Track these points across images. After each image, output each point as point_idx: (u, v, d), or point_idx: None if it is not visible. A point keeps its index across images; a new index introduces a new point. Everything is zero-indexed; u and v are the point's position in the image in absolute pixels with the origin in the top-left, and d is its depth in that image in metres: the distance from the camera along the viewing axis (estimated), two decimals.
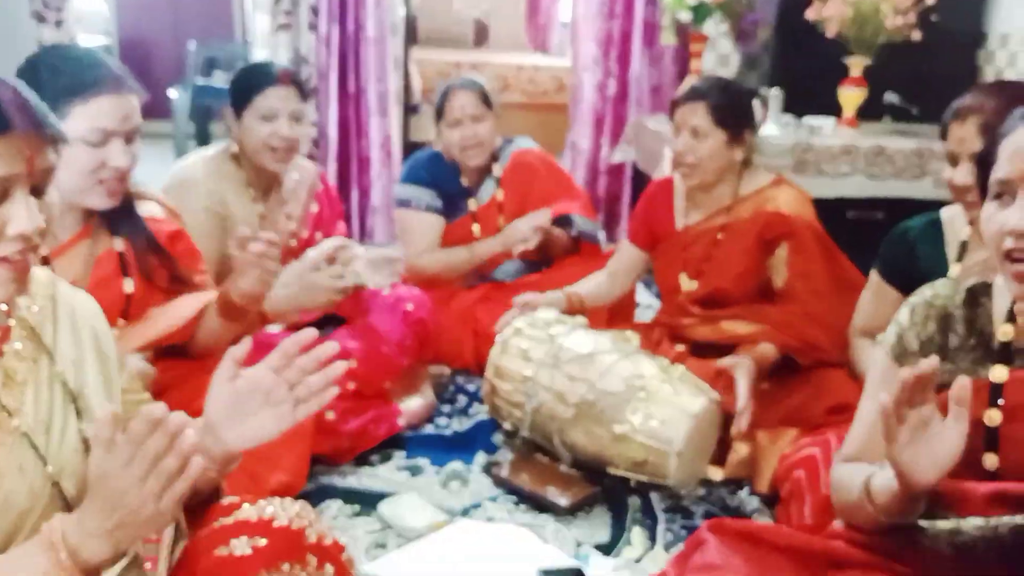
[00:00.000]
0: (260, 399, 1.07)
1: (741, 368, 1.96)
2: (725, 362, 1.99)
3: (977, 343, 1.20)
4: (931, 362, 1.03)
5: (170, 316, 1.65)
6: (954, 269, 1.80)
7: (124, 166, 1.49)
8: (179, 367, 1.74)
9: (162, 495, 0.87)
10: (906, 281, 1.87)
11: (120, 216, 1.59)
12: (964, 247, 1.80)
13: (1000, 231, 1.08)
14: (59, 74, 1.44)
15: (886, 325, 1.93)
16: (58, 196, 0.99)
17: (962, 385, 1.01)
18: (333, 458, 1.97)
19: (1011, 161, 1.07)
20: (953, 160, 1.70)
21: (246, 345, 1.09)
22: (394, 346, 2.21)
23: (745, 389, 1.92)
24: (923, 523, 1.13)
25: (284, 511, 1.16)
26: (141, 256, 1.61)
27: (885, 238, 1.96)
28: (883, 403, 1.03)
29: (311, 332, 1.10)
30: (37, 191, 0.93)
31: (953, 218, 1.84)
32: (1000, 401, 1.15)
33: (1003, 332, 1.17)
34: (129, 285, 1.61)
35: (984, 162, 1.14)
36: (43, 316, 1.03)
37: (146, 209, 1.67)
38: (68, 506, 0.96)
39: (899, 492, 1.08)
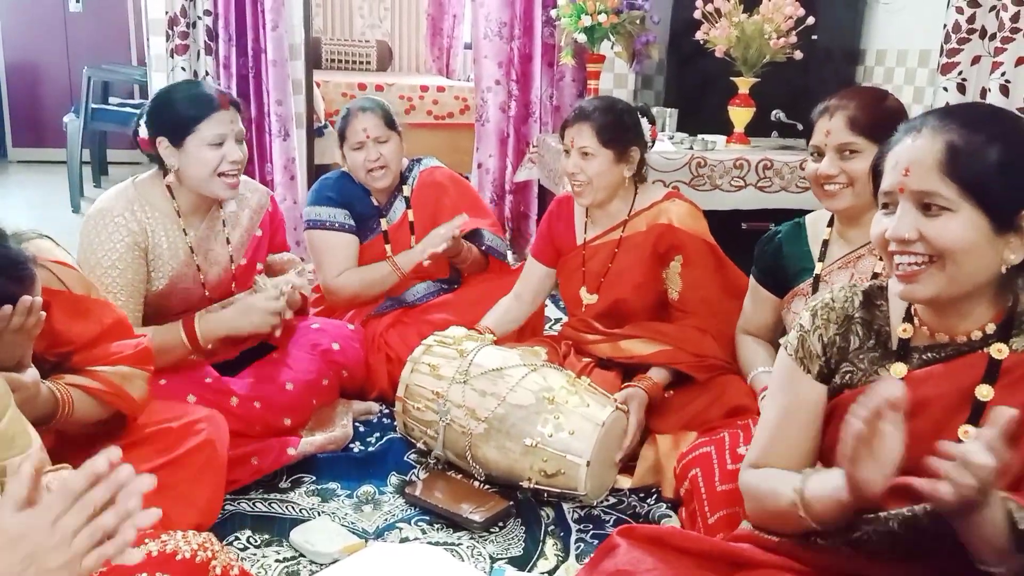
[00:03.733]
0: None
1: (635, 401, 2.05)
2: (622, 396, 2.06)
3: (876, 343, 1.26)
4: (896, 387, 1.05)
5: None
6: (818, 267, 1.91)
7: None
8: None
9: (87, 554, 0.80)
10: (775, 282, 2.00)
11: None
12: (825, 246, 1.92)
13: (881, 239, 1.17)
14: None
15: (763, 324, 2.06)
16: None
17: (897, 385, 1.05)
18: None
19: (891, 174, 1.15)
20: (818, 153, 1.83)
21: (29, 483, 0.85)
22: (302, 385, 2.17)
23: (635, 423, 2.02)
24: None
25: (187, 544, 1.14)
26: None
27: (757, 244, 2.07)
28: (856, 429, 1.05)
29: (114, 453, 0.85)
30: None
31: (816, 221, 1.97)
32: None
33: (902, 330, 1.23)
34: None
35: (875, 173, 1.22)
36: None
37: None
38: None
39: (848, 503, 1.11)
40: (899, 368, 1.21)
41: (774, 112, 3.29)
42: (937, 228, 1.10)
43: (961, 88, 2.60)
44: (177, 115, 1.99)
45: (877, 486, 1.06)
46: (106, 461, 0.81)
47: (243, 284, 2.22)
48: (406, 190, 2.70)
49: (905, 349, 1.23)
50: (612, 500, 1.99)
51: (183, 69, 3.49)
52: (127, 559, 0.82)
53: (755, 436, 1.37)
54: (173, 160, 2.01)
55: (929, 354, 1.21)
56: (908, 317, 1.24)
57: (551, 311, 3.20)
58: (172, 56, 3.50)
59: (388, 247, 2.66)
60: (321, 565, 1.71)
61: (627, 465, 2.06)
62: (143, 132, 2.04)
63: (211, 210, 2.14)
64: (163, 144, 2.01)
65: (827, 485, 1.15)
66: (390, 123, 2.58)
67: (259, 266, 2.28)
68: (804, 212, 2.05)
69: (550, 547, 1.81)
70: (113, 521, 0.81)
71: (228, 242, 2.19)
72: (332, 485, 2.02)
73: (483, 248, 2.68)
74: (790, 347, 1.31)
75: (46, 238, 1.62)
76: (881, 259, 1.79)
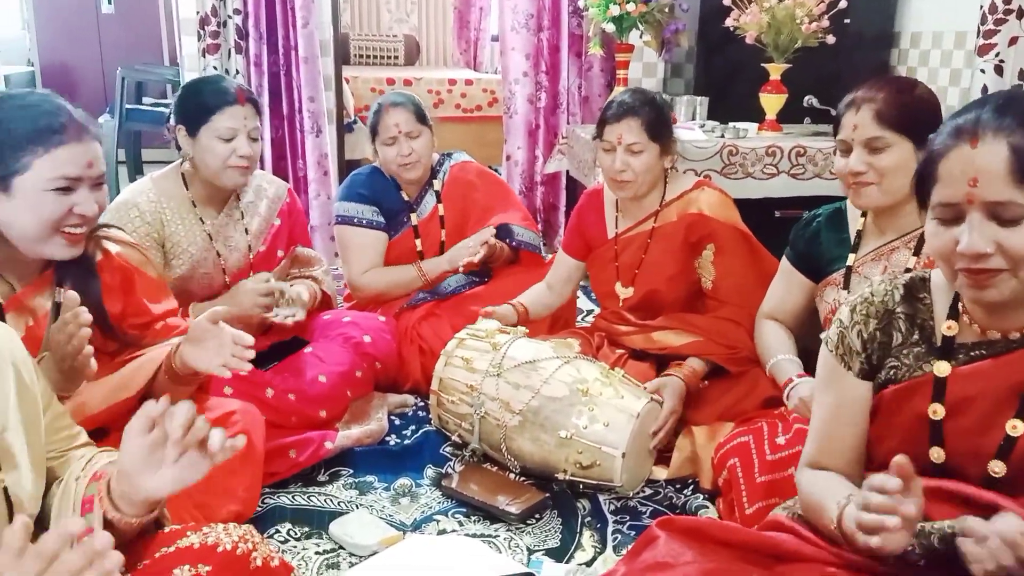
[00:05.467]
0: (175, 448, 1.07)
1: (669, 389, 2.03)
2: (654, 384, 2.05)
3: (920, 338, 1.22)
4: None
5: (117, 387, 1.55)
6: (850, 259, 1.86)
7: (90, 213, 1.44)
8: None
9: None
10: (811, 266, 1.95)
11: (70, 267, 1.51)
12: (859, 236, 1.86)
13: (948, 251, 1.10)
14: (16, 123, 1.36)
15: (792, 310, 2.02)
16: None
17: (900, 463, 1.03)
18: None
19: (953, 185, 1.08)
20: (846, 149, 1.75)
21: (164, 403, 1.08)
22: (336, 376, 2.19)
23: (667, 410, 2.00)
24: None
25: (228, 536, 1.16)
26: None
27: (795, 225, 2.02)
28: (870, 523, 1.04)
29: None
30: None
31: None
32: (944, 395, 1.18)
33: (946, 328, 1.20)
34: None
35: (921, 178, 1.15)
36: None
37: (110, 246, 1.63)
38: None
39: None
40: (943, 367, 1.18)
41: (807, 98, 3.24)
42: (1018, 239, 1.05)
43: (999, 70, 2.55)
44: (194, 105, 2.10)
45: (898, 550, 1.06)
46: (81, 526, 0.83)
47: (261, 270, 2.28)
48: (437, 184, 2.71)
49: (950, 346, 1.19)
50: (648, 491, 1.98)
51: (215, 68, 3.53)
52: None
53: (809, 433, 1.34)
54: (188, 149, 2.11)
55: (977, 351, 1.17)
56: (954, 312, 1.20)
57: (583, 303, 3.19)
58: (204, 55, 3.54)
59: (418, 241, 2.68)
60: (360, 557, 1.73)
61: (663, 456, 2.05)
62: (172, 120, 2.14)
63: (228, 200, 2.23)
64: (181, 132, 2.11)
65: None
66: (421, 118, 2.59)
67: (279, 253, 2.33)
68: (837, 199, 2.01)
69: (587, 539, 1.82)
70: None
71: (247, 232, 2.26)
72: (369, 478, 2.04)
73: (513, 244, 2.69)
74: (830, 343, 1.28)
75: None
76: (893, 261, 1.77)
